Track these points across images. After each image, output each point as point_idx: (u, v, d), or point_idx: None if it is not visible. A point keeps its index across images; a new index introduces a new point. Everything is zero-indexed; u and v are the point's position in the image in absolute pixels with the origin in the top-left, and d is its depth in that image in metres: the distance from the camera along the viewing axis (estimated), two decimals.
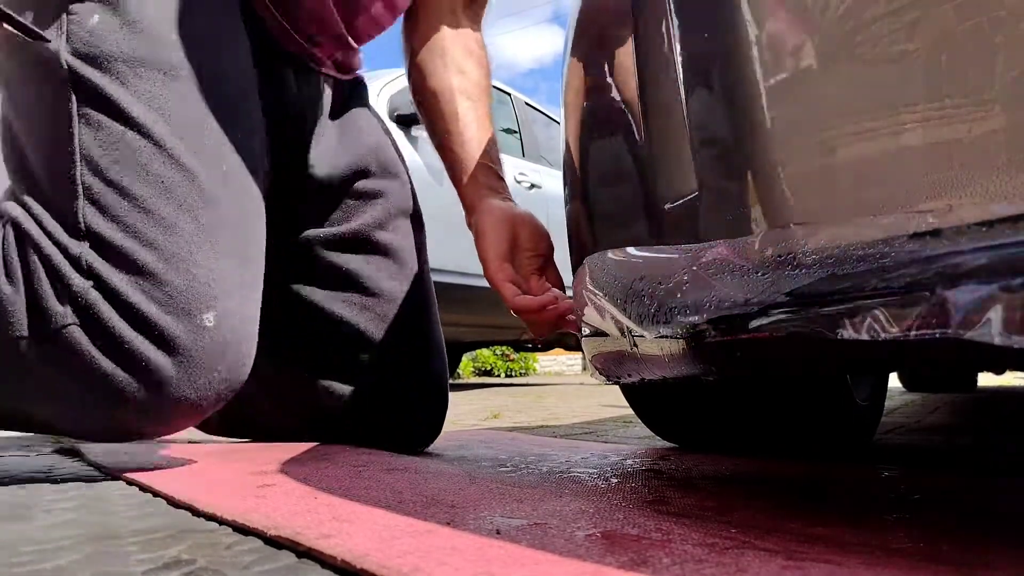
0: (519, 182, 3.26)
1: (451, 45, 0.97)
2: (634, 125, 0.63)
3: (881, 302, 0.35)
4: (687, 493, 0.62)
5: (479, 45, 1.00)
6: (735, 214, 0.49)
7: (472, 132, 0.92)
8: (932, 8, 0.36)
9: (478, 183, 0.90)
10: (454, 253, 2.21)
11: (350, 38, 0.93)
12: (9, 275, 0.65)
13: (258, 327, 0.73)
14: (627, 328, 0.57)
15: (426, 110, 0.97)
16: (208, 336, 0.65)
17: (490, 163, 0.92)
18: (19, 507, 0.51)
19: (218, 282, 0.67)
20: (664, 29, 0.58)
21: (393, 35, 1.02)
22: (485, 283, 0.87)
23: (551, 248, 0.87)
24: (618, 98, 0.66)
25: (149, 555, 0.38)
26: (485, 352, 8.30)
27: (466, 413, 1.87)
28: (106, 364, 0.63)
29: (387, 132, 1.06)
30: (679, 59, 0.55)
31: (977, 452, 1.13)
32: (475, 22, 1.01)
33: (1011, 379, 4.78)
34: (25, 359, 0.64)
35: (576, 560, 0.34)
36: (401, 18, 1.00)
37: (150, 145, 0.67)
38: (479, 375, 8.45)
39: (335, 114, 0.98)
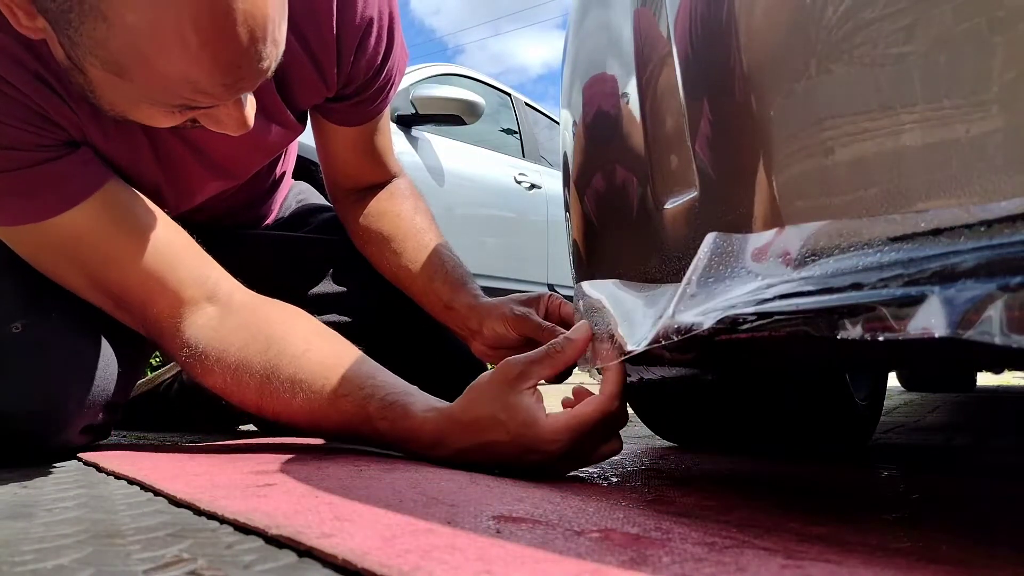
0: (519, 182, 3.26)
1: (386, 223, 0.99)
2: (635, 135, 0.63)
3: (880, 301, 0.35)
4: (687, 492, 0.62)
5: (393, 197, 1.01)
6: (733, 215, 0.49)
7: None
8: (931, 8, 0.36)
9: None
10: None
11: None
12: None
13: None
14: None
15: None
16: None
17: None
18: (20, 506, 0.51)
19: None
20: (663, 33, 0.58)
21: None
22: (484, 283, 0.87)
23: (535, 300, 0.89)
24: (620, 109, 0.66)
25: (150, 554, 0.38)
26: None
27: None
28: None
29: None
30: (679, 66, 0.55)
31: (976, 452, 1.13)
32: (376, 189, 1.01)
33: (1010, 379, 4.78)
34: None
35: (576, 559, 0.34)
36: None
37: None
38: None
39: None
